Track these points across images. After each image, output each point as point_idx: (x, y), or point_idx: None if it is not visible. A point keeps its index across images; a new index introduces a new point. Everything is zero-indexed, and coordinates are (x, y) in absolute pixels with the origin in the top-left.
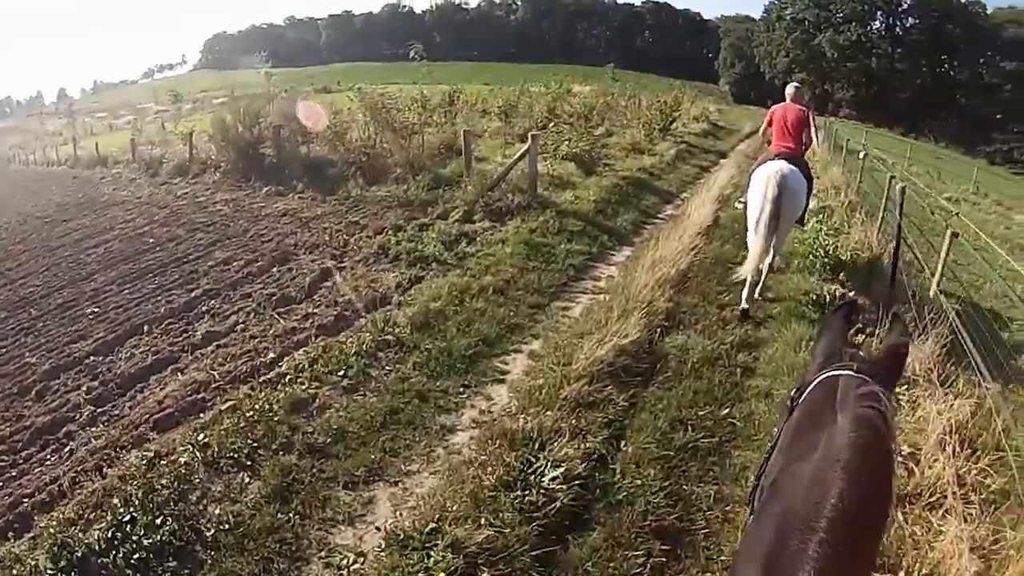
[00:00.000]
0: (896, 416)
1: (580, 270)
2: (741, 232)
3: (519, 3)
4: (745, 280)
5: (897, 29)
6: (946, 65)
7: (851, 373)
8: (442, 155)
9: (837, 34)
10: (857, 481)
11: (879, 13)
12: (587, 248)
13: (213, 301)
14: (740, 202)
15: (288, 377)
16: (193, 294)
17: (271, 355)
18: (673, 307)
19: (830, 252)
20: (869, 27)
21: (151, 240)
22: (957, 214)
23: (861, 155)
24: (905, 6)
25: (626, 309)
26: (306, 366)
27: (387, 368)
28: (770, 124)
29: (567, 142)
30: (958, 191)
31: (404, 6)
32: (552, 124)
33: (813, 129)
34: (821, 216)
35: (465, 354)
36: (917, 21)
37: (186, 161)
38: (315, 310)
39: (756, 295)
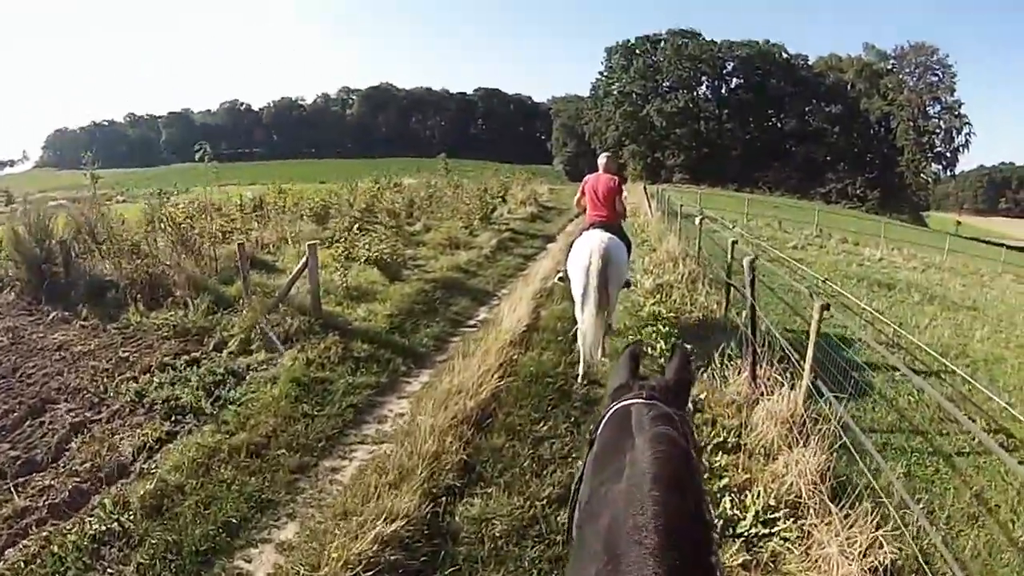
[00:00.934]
0: (691, 427)
1: (363, 410)
2: (563, 330)
3: (354, 98)
4: (581, 351)
5: (723, 91)
6: (773, 118)
7: (642, 400)
8: (234, 269)
9: (664, 102)
10: (668, 489)
11: (704, 78)
12: (375, 379)
13: None
14: (558, 278)
15: None
16: None
17: None
18: (470, 456)
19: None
20: (696, 92)
21: None
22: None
23: (697, 220)
24: (729, 68)
25: (402, 471)
26: (23, 566)
27: (108, 571)
28: (583, 194)
29: (368, 245)
30: (802, 237)
31: (242, 104)
32: (366, 223)
33: (637, 197)
34: (659, 296)
35: (198, 549)
36: (742, 81)
37: None
38: (54, 481)
39: (599, 357)
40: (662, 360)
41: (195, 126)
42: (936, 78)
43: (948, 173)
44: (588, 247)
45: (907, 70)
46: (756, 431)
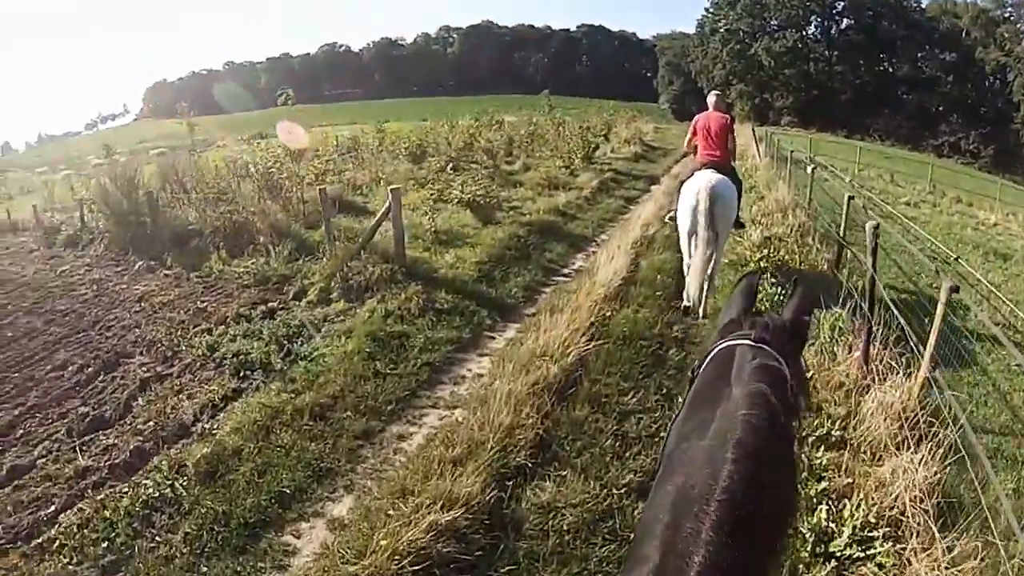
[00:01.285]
0: (803, 379)
1: (439, 369)
2: (663, 284)
3: (455, 36)
4: (688, 289)
5: (833, 31)
6: (885, 63)
7: (749, 343)
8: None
9: (773, 41)
10: (746, 466)
11: (814, 17)
12: (456, 333)
13: (33, 420)
14: (668, 218)
15: (57, 544)
16: (17, 411)
17: (52, 507)
18: (548, 431)
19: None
20: (804, 32)
21: (9, 334)
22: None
23: (809, 168)
24: (839, 8)
25: (471, 445)
26: (75, 530)
27: (156, 539)
28: (695, 134)
29: (461, 186)
30: (915, 193)
31: (341, 46)
32: (463, 163)
33: (744, 139)
34: (768, 250)
35: (248, 521)
36: (852, 22)
37: (78, 230)
38: (118, 440)
39: (701, 312)
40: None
41: (294, 70)
42: None
43: None
44: (697, 186)
45: None
46: (864, 424)
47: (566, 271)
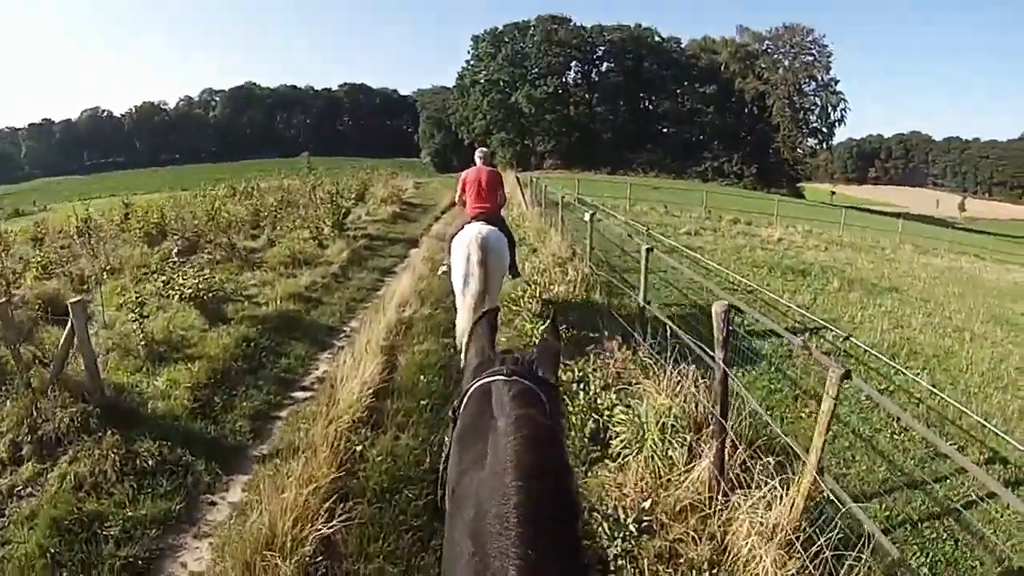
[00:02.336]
0: (559, 404)
1: (141, 571)
2: (428, 390)
3: (217, 99)
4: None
5: (593, 75)
6: (645, 101)
7: (503, 377)
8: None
9: (533, 89)
10: (530, 476)
11: (574, 63)
12: (166, 505)
13: None
14: (442, 272)
15: None
16: None
17: None
18: None
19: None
20: (565, 78)
21: None
22: None
23: (587, 215)
24: (600, 53)
25: None
26: None
27: None
28: (463, 189)
29: (182, 276)
30: (691, 220)
31: (103, 111)
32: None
33: (508, 187)
34: (547, 317)
35: None
36: (613, 65)
37: None
38: None
39: None
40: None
41: (56, 137)
42: (811, 57)
43: (824, 147)
44: (467, 238)
45: (782, 51)
46: (739, 558)
47: (307, 382)
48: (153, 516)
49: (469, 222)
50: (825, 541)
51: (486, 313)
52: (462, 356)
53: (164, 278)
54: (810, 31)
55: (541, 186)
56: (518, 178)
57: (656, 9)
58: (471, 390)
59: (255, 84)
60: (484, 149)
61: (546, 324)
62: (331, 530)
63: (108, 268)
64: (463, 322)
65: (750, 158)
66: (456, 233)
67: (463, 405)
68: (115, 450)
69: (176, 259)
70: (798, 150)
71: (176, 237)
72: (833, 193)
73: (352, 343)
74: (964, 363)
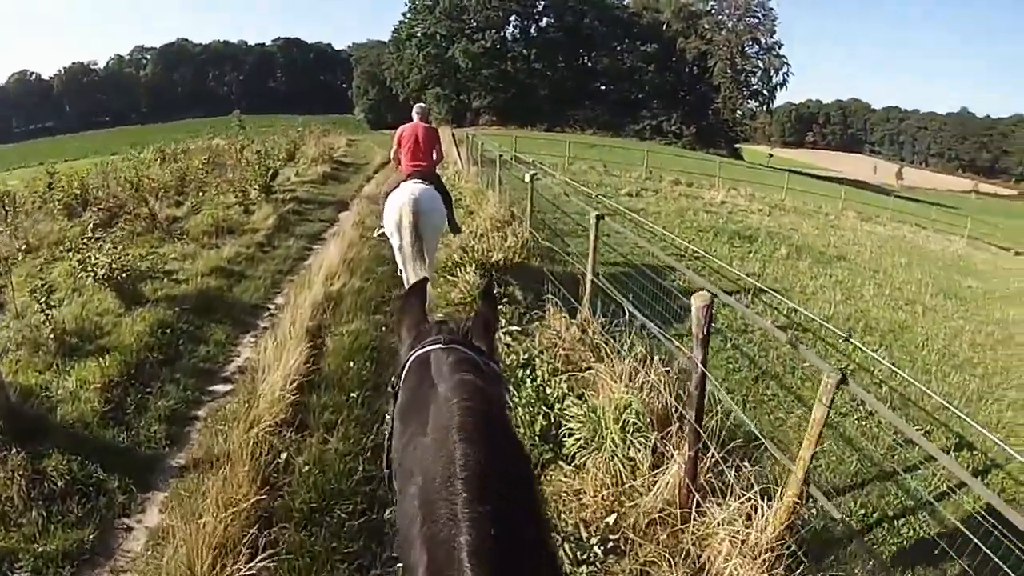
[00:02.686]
0: (498, 370)
1: None
2: (358, 379)
3: (148, 57)
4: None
5: (532, 30)
6: (584, 57)
7: (441, 346)
8: None
9: (471, 43)
10: (475, 441)
11: (513, 17)
12: (77, 535)
13: None
14: (378, 234)
15: None
16: None
17: None
18: None
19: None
20: (503, 32)
21: None
22: None
23: (527, 176)
24: (540, 7)
25: None
26: None
27: None
28: (399, 145)
29: (93, 256)
30: (632, 181)
31: (32, 74)
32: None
33: (444, 144)
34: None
35: None
36: (552, 20)
37: None
38: None
39: None
40: None
41: None
42: (756, 20)
43: (765, 110)
44: (400, 200)
45: (726, 12)
46: None
47: (227, 371)
48: (65, 550)
49: (404, 180)
50: (805, 551)
51: (416, 284)
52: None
53: (79, 257)
54: None
55: (477, 143)
56: (454, 135)
57: None
58: (409, 361)
59: (187, 40)
60: (422, 105)
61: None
62: (254, 568)
63: (24, 248)
64: (408, 283)
65: (689, 118)
66: (391, 191)
67: (402, 378)
68: (22, 472)
69: (92, 233)
70: (738, 112)
71: (96, 208)
72: (770, 155)
73: (276, 324)
74: (920, 339)
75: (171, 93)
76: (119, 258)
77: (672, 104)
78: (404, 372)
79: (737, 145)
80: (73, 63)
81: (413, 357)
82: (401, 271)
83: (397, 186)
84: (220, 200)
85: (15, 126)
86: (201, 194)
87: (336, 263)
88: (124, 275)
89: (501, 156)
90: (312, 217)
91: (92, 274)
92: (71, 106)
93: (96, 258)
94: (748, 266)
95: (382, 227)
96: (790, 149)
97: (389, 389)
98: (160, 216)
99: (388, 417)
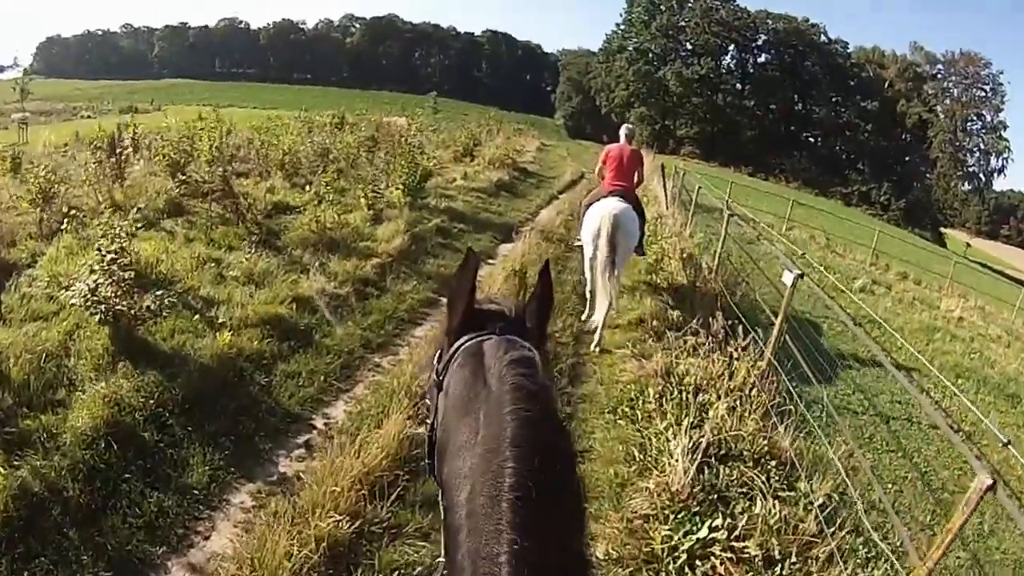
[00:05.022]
0: (549, 356)
1: None
2: None
3: (356, 26)
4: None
5: (749, 64)
6: (800, 103)
7: (495, 336)
8: None
9: (684, 67)
10: (527, 455)
11: (731, 47)
12: None
13: None
14: (576, 242)
15: None
16: None
17: None
18: None
19: None
20: (719, 61)
21: None
22: None
23: (788, 279)
24: (760, 41)
25: None
26: None
27: None
28: (604, 163)
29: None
30: (858, 266)
31: (241, 22)
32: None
33: (646, 169)
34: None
35: None
36: (771, 56)
37: None
38: None
39: (597, 336)
40: None
41: (189, 42)
42: (983, 93)
43: (980, 196)
44: (601, 213)
45: (953, 79)
46: None
47: None
48: None
49: (605, 196)
50: None
51: (468, 259)
52: (596, 326)
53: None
54: (987, 63)
55: (688, 181)
56: (663, 166)
57: (825, 6)
58: (459, 350)
59: (397, 16)
60: (629, 126)
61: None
62: None
63: (106, 205)
64: (599, 296)
65: (897, 189)
66: (592, 202)
67: (451, 367)
68: None
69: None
70: (951, 193)
71: (189, 176)
72: (968, 245)
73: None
74: None
75: (374, 64)
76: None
77: (881, 171)
78: (452, 360)
79: (942, 230)
80: (283, 19)
81: (464, 346)
82: (586, 284)
83: (598, 200)
84: (350, 196)
85: (218, 67)
86: (340, 179)
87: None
88: (124, 307)
89: (728, 214)
90: (461, 244)
91: (84, 294)
92: (275, 58)
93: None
94: None
95: (579, 237)
96: (983, 240)
97: (433, 376)
98: (255, 203)
99: (430, 403)
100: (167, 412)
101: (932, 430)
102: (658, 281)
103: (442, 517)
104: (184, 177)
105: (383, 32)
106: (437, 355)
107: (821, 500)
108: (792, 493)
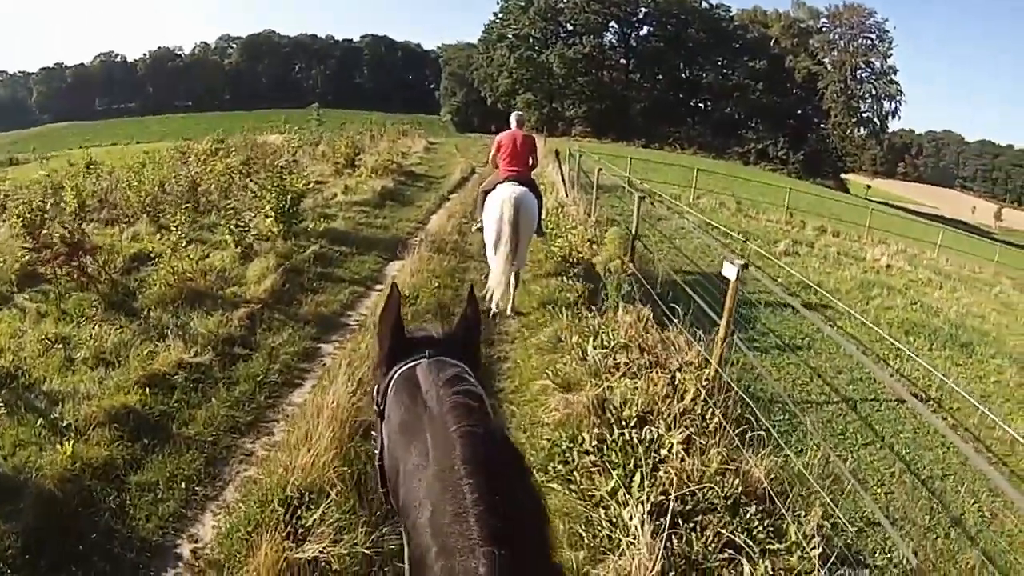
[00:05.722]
0: (481, 371)
1: None
2: None
3: (233, 46)
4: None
5: (632, 38)
6: (687, 71)
7: (426, 359)
8: None
9: (567, 48)
10: (481, 472)
11: (612, 23)
12: None
13: None
14: (476, 228)
15: None
16: None
17: None
18: None
19: None
20: (602, 38)
21: None
22: None
23: (731, 273)
24: (641, 15)
25: None
26: None
27: None
28: (498, 150)
29: None
30: (775, 227)
31: (117, 55)
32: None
33: (540, 153)
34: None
35: None
36: (654, 28)
37: None
38: None
39: (508, 310)
40: None
41: (68, 82)
42: (869, 41)
43: (876, 140)
44: (501, 198)
45: (838, 31)
46: None
47: None
48: None
49: (501, 182)
50: None
51: (392, 293)
52: (499, 305)
53: None
54: (871, 13)
55: (582, 160)
56: (557, 152)
57: None
58: (395, 377)
59: (273, 32)
60: (520, 113)
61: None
62: None
63: None
64: (495, 279)
65: (794, 143)
66: (488, 189)
67: (388, 396)
68: None
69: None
70: (846, 140)
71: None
72: (868, 187)
73: None
74: None
75: (255, 83)
76: None
77: (776, 127)
78: (389, 389)
79: (843, 176)
80: (159, 47)
81: (398, 373)
82: (493, 272)
83: (494, 187)
84: (220, 230)
85: (98, 105)
86: (212, 213)
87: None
88: None
89: (638, 196)
90: (344, 271)
91: None
92: (154, 89)
93: None
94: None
95: (479, 222)
96: (881, 180)
97: (374, 407)
98: (109, 259)
99: (376, 434)
100: (4, 565)
101: (901, 405)
102: (570, 284)
103: (405, 541)
104: (40, 239)
105: (260, 49)
106: (375, 388)
107: (815, 542)
108: (781, 544)
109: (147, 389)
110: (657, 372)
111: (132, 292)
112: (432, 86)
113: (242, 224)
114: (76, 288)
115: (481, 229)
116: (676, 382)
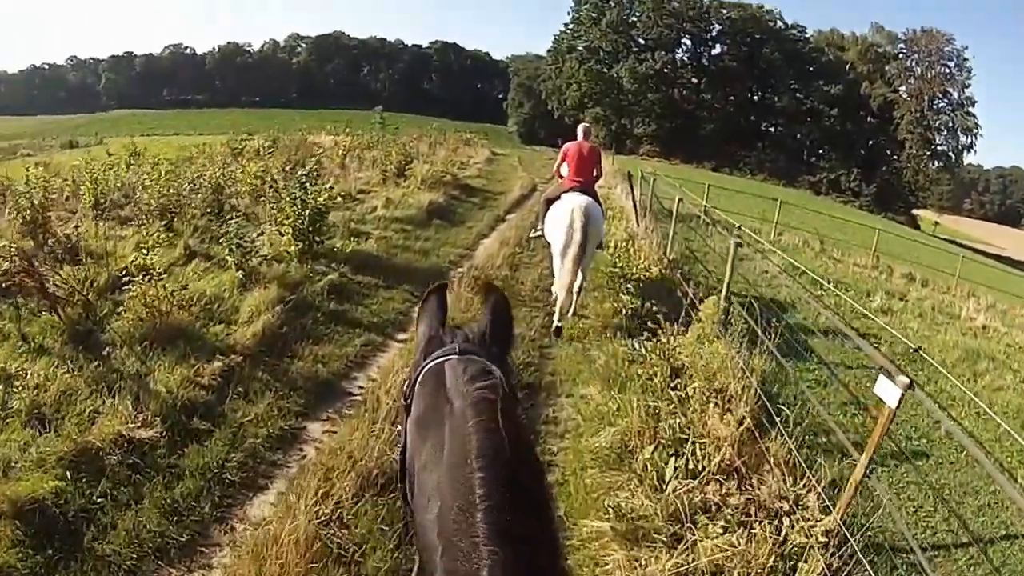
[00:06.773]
0: (513, 378)
1: None
2: None
3: (303, 45)
4: (558, 302)
5: (704, 56)
6: (759, 92)
7: (455, 356)
8: None
9: (638, 63)
10: (492, 469)
11: (685, 40)
12: None
13: None
14: (536, 235)
15: None
16: None
17: None
18: None
19: None
20: (673, 55)
21: None
22: None
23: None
24: (715, 31)
25: None
26: None
27: None
28: (564, 160)
29: None
30: (861, 271)
31: (186, 48)
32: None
33: (604, 164)
34: None
35: None
36: (727, 47)
37: None
38: None
39: (568, 315)
40: None
41: (136, 71)
42: (947, 69)
43: (949, 175)
44: (570, 205)
45: (915, 57)
46: None
47: None
48: None
49: (567, 191)
50: None
51: (435, 287)
52: (556, 314)
53: None
54: (950, 39)
55: (658, 186)
56: (630, 173)
57: None
58: (422, 372)
59: (343, 33)
60: (586, 124)
61: (487, 289)
62: None
63: None
64: (560, 285)
65: (869, 175)
66: (552, 197)
67: (416, 388)
68: None
69: None
70: (920, 174)
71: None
72: (936, 224)
73: None
74: None
75: (322, 83)
76: None
77: (848, 156)
78: (417, 382)
79: (915, 212)
80: (228, 43)
81: (426, 367)
82: (557, 281)
83: (559, 196)
84: (228, 250)
85: (166, 95)
86: (226, 226)
87: None
88: None
89: (739, 237)
90: (362, 312)
91: None
92: (222, 83)
93: None
94: None
95: (539, 230)
96: (948, 216)
97: (402, 400)
98: (96, 274)
99: (400, 429)
100: None
101: None
102: (645, 354)
103: (416, 538)
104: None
105: (330, 50)
106: (405, 382)
107: None
108: None
109: (71, 472)
110: (759, 520)
111: (102, 320)
112: (500, 96)
113: (243, 244)
114: (47, 307)
115: (541, 235)
116: (784, 535)
